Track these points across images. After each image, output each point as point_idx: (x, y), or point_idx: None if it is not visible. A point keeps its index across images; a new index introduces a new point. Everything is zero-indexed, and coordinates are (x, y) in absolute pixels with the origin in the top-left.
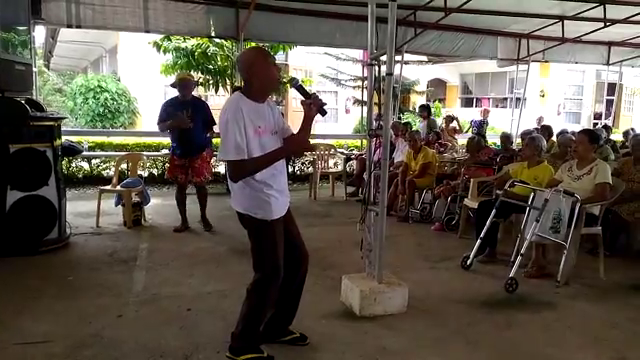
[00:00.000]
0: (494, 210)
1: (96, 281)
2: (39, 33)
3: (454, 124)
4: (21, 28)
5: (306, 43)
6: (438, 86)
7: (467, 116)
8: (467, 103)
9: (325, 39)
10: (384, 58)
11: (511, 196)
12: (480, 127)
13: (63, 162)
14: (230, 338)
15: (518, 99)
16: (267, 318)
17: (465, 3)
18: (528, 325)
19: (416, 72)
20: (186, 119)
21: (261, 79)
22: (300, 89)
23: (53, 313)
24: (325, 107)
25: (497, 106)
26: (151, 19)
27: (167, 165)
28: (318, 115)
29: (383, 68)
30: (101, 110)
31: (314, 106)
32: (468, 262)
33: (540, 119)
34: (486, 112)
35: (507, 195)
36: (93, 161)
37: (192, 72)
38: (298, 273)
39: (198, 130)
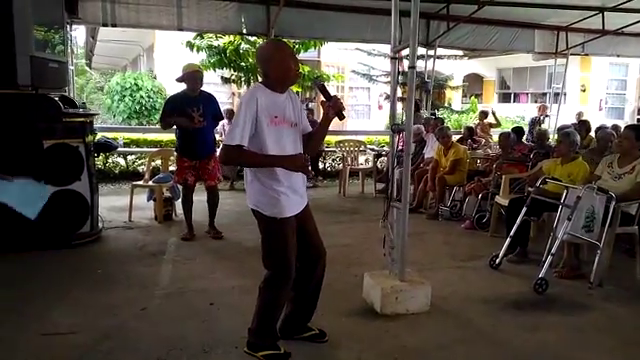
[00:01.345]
0: (525, 208)
1: (124, 274)
2: (80, 33)
3: (490, 119)
4: (56, 27)
5: (337, 39)
6: (474, 81)
7: (504, 112)
8: (504, 98)
9: (356, 34)
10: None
11: (543, 193)
12: (532, 125)
13: (100, 158)
14: (247, 334)
15: (557, 94)
16: (285, 315)
17: None
18: (556, 327)
19: (451, 67)
20: (198, 118)
21: (278, 72)
22: (322, 89)
23: (81, 305)
24: (344, 112)
25: (536, 101)
26: (184, 17)
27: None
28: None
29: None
30: (137, 107)
31: (333, 109)
32: (497, 261)
33: (579, 114)
34: (543, 109)
35: (539, 192)
36: (129, 157)
37: (224, 70)
38: (314, 272)
39: (209, 129)
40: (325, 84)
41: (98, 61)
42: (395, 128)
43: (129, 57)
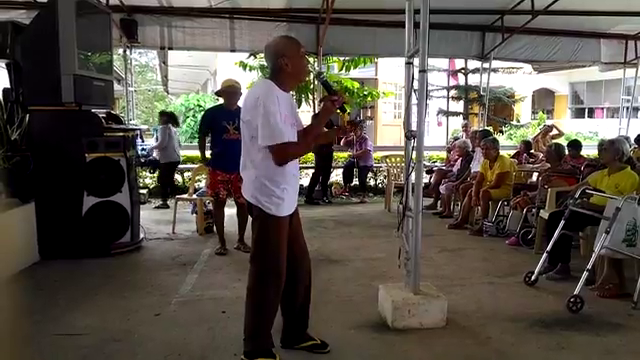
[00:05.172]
0: (562, 221)
1: (150, 282)
2: (156, 61)
3: (554, 132)
4: (103, 49)
5: (385, 54)
6: (545, 96)
7: (576, 128)
8: (578, 114)
9: (404, 49)
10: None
11: (587, 206)
12: None
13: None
14: (243, 342)
15: (628, 108)
16: (283, 326)
17: (552, 4)
18: (584, 348)
19: (518, 81)
20: (233, 130)
21: (295, 68)
22: (325, 84)
23: (100, 309)
24: (345, 106)
25: (613, 116)
26: (237, 39)
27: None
28: None
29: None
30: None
31: (337, 103)
32: (532, 278)
33: None
34: None
35: (581, 205)
36: (185, 174)
37: None
38: (300, 272)
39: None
40: (327, 79)
41: (173, 86)
42: (409, 134)
43: (200, 81)
